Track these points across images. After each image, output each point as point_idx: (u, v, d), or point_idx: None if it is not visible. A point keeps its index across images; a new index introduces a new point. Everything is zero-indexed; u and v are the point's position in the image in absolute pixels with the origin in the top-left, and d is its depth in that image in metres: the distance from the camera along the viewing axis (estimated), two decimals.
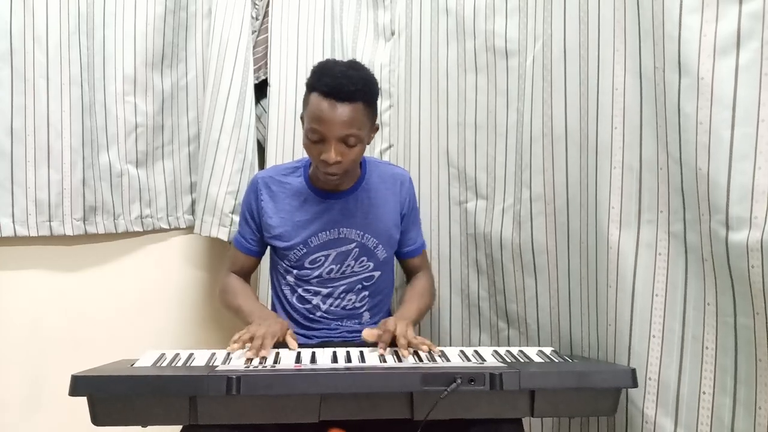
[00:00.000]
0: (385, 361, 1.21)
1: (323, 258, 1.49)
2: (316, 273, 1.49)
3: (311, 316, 1.52)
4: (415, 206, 1.60)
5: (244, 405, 1.04)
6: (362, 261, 1.50)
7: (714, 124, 1.04)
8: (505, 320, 1.63)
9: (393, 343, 1.28)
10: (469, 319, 1.72)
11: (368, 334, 1.30)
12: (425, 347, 1.24)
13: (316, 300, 1.51)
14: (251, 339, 1.23)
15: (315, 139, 1.32)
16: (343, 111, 1.29)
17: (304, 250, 1.48)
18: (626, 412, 1.24)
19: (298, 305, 1.52)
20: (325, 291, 1.51)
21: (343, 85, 1.29)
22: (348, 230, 1.48)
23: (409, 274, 1.64)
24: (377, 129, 1.46)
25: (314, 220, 1.47)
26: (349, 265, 1.50)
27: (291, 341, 1.32)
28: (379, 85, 1.85)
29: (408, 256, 1.61)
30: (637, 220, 1.21)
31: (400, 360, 1.21)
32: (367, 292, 1.53)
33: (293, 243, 1.47)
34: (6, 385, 1.75)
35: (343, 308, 1.52)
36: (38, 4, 1.66)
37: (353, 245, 1.49)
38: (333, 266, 1.49)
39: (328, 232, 1.47)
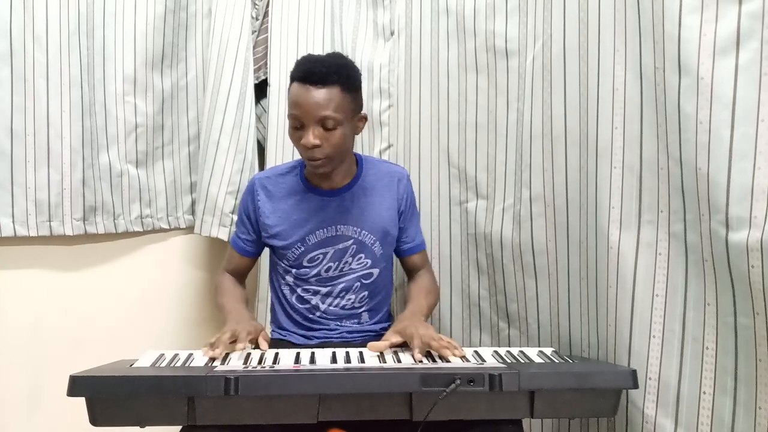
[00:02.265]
0: (384, 362, 1.21)
1: (321, 256, 1.49)
2: (315, 271, 1.49)
3: (311, 316, 1.52)
4: (413, 204, 1.60)
5: (243, 405, 1.04)
6: (360, 258, 1.50)
7: (714, 123, 1.04)
8: (506, 320, 1.62)
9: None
10: (470, 319, 1.71)
11: (379, 347, 1.26)
12: (458, 352, 1.20)
13: (315, 300, 1.51)
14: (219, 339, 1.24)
15: (295, 125, 1.35)
16: (317, 93, 1.31)
17: (302, 249, 1.48)
18: (626, 413, 1.23)
19: (298, 305, 1.52)
20: (324, 290, 1.51)
21: (317, 69, 1.32)
22: (345, 227, 1.48)
23: (410, 273, 1.63)
24: (365, 119, 1.46)
25: (311, 218, 1.48)
26: (347, 263, 1.50)
27: (262, 342, 1.31)
28: (378, 84, 1.87)
29: (408, 254, 1.60)
30: (637, 221, 1.21)
31: (399, 360, 1.21)
32: (366, 292, 1.53)
33: (291, 241, 1.48)
34: (6, 385, 1.75)
35: (342, 308, 1.52)
36: (38, 4, 1.66)
37: (350, 242, 1.49)
38: (331, 264, 1.49)
39: (325, 230, 1.48)
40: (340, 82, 1.33)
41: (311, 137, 1.32)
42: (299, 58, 1.41)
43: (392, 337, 1.28)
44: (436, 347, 1.20)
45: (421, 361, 1.18)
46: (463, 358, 1.20)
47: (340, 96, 1.33)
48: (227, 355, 1.25)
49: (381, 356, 1.24)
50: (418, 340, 1.21)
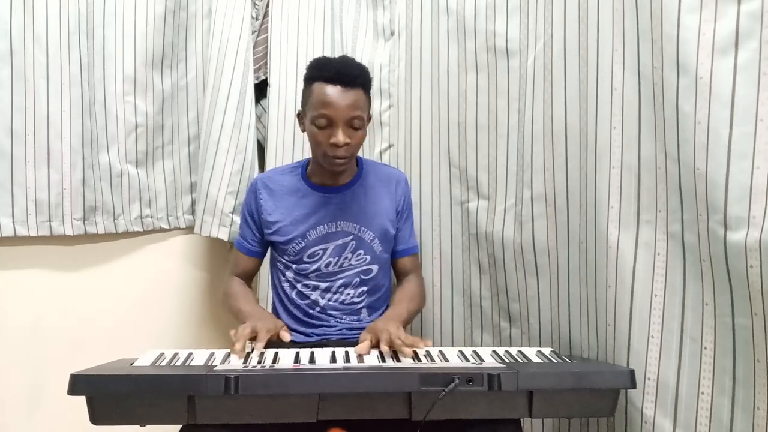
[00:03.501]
0: (383, 361, 1.21)
1: (321, 251, 1.51)
2: (315, 266, 1.51)
3: (310, 311, 1.53)
4: (409, 206, 1.63)
5: (243, 404, 1.04)
6: (359, 254, 1.52)
7: (712, 123, 1.04)
8: (507, 320, 1.63)
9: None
10: (471, 319, 1.72)
11: (362, 349, 1.26)
12: (420, 344, 1.23)
13: (315, 295, 1.52)
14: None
15: (323, 124, 1.38)
16: (348, 95, 1.37)
17: (303, 244, 1.50)
18: (625, 412, 1.23)
19: (298, 301, 1.54)
20: (323, 285, 1.52)
21: (346, 71, 1.39)
22: (345, 223, 1.51)
23: (400, 276, 1.64)
24: (370, 118, 1.51)
25: (312, 214, 1.50)
26: (346, 258, 1.52)
27: (284, 334, 1.34)
28: (378, 84, 1.88)
29: (399, 256, 1.62)
30: (635, 220, 1.21)
31: (398, 360, 1.21)
32: (365, 287, 1.54)
33: (292, 237, 1.50)
34: (6, 385, 1.75)
35: (342, 303, 1.53)
36: (38, 4, 1.66)
37: (350, 238, 1.51)
38: (331, 259, 1.51)
39: (325, 226, 1.50)
40: (363, 85, 1.41)
41: (342, 136, 1.36)
42: (312, 61, 1.46)
43: (366, 336, 1.30)
44: (396, 345, 1.22)
45: (430, 354, 1.22)
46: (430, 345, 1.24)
47: (364, 98, 1.41)
48: (228, 354, 1.25)
49: (381, 356, 1.25)
50: (386, 335, 1.25)
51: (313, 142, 1.42)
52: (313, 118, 1.39)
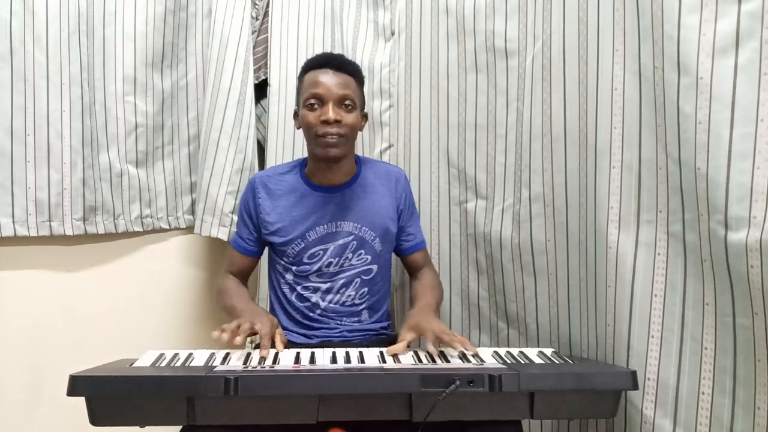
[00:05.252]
0: (384, 362, 1.21)
1: (321, 252, 1.50)
2: (315, 267, 1.51)
3: (311, 314, 1.52)
4: (412, 203, 1.62)
5: (243, 405, 1.04)
6: (360, 254, 1.52)
7: (713, 123, 1.04)
8: (505, 320, 1.62)
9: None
10: (469, 319, 1.72)
11: (398, 349, 1.25)
12: (467, 344, 1.24)
13: (315, 297, 1.52)
14: (238, 327, 1.24)
15: (314, 104, 1.42)
16: (338, 76, 1.43)
17: (303, 245, 1.49)
18: (625, 413, 1.23)
19: (298, 303, 1.53)
20: (324, 286, 1.51)
21: (336, 57, 1.48)
22: (345, 223, 1.50)
23: (412, 272, 1.64)
24: (367, 118, 1.55)
25: (311, 214, 1.50)
26: (347, 258, 1.51)
27: (278, 344, 1.29)
28: (378, 84, 1.88)
29: (409, 252, 1.62)
30: (636, 220, 1.21)
31: (399, 361, 1.21)
32: (365, 288, 1.54)
33: (291, 237, 1.49)
34: (6, 385, 1.75)
35: (342, 304, 1.53)
36: (38, 4, 1.65)
37: (351, 238, 1.51)
38: (332, 259, 1.51)
39: (325, 226, 1.50)
40: (353, 74, 1.46)
41: (332, 113, 1.39)
42: (305, 60, 1.51)
43: (407, 335, 1.29)
44: (447, 340, 1.23)
45: (432, 355, 1.22)
46: (475, 356, 1.23)
47: (354, 84, 1.46)
48: (227, 354, 1.25)
49: (381, 356, 1.24)
50: (430, 333, 1.25)
51: (306, 127, 1.44)
52: (305, 101, 1.43)
